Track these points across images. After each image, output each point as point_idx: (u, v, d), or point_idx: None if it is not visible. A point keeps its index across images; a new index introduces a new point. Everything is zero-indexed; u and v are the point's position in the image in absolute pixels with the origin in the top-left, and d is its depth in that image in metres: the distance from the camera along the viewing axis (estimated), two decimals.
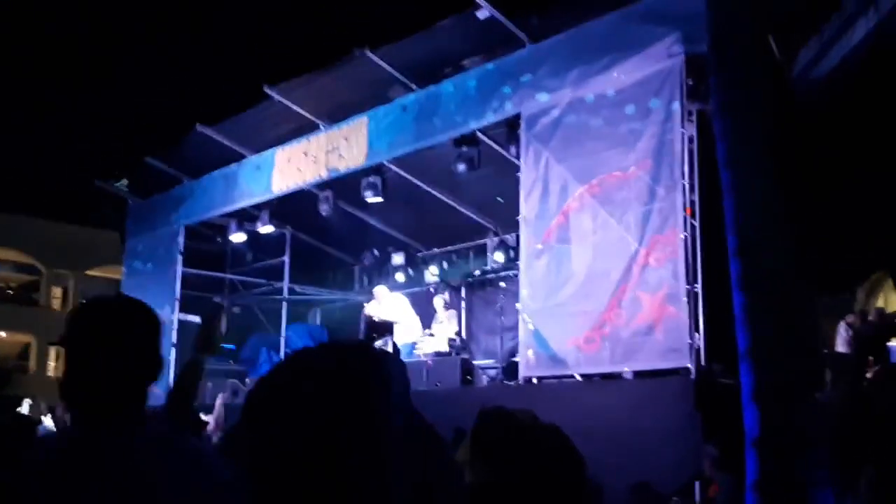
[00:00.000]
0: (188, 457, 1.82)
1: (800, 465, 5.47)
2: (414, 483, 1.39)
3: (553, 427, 3.69)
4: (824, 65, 8.43)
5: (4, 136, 32.66)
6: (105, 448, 1.73)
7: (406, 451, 1.41)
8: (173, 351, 14.96)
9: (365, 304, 13.28)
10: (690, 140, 8.46)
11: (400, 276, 15.13)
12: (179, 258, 15.31)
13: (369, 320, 12.16)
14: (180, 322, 15.23)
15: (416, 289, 14.93)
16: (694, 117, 8.53)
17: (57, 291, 35.68)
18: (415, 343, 12.40)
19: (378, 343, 11.30)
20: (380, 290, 13.19)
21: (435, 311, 13.13)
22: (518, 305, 9.79)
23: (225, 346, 16.60)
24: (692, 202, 8.35)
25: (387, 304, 12.89)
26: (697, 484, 7.38)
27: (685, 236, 8.24)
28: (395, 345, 11.92)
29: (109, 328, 1.84)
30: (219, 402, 8.58)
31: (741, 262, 5.82)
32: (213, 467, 1.78)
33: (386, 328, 11.91)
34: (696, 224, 8.33)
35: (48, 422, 13.34)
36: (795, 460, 5.49)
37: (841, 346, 9.14)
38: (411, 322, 12.88)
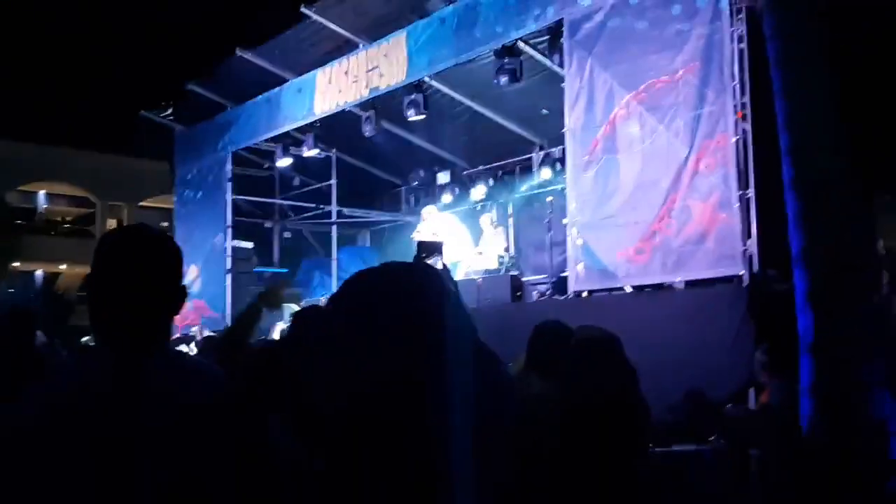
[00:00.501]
0: (207, 380, 1.87)
1: (855, 369, 5.37)
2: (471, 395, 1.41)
3: (609, 339, 3.65)
4: None
5: (50, 71, 32.95)
6: (126, 369, 1.76)
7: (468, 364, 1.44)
8: (228, 277, 15.22)
9: (416, 227, 13.27)
10: (740, 39, 8.14)
11: (447, 196, 15.05)
12: (229, 185, 15.44)
13: (420, 242, 12.15)
14: (233, 248, 15.44)
15: (463, 207, 14.86)
16: (743, 15, 8.18)
17: (112, 223, 36.36)
18: (456, 263, 12.39)
19: (429, 262, 11.30)
20: (428, 211, 13.15)
21: (482, 230, 13.08)
22: (565, 221, 9.68)
23: (277, 269, 16.83)
24: (743, 104, 8.07)
25: (436, 224, 12.86)
26: (752, 391, 7.31)
27: (736, 140, 8.00)
28: (444, 264, 11.92)
29: (131, 259, 1.87)
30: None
31: (793, 163, 5.65)
32: (226, 391, 1.87)
33: (435, 248, 11.89)
34: (748, 127, 8.06)
35: None
36: (851, 364, 5.40)
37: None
38: (461, 241, 12.85)
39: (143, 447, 1.65)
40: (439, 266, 11.52)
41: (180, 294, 1.91)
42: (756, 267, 7.86)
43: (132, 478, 1.63)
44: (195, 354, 7.93)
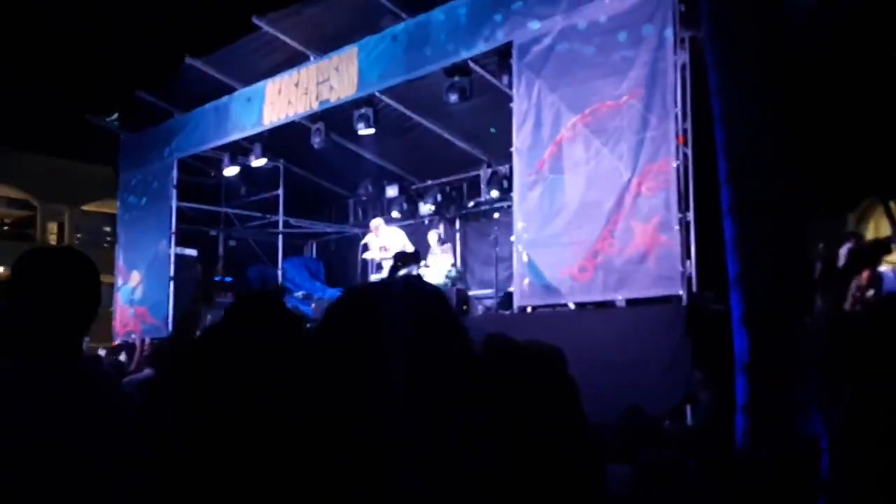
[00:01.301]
0: (108, 393, 2.01)
1: (788, 389, 5.58)
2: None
3: (552, 351, 3.77)
4: None
5: None
6: (34, 379, 1.86)
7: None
8: (171, 284, 15.09)
9: (363, 240, 13.34)
10: (683, 67, 8.40)
11: (394, 210, 15.16)
12: (174, 192, 15.30)
13: (397, 253, 12.15)
14: (177, 256, 15.30)
15: (410, 221, 14.97)
16: (687, 44, 8.45)
17: (53, 227, 35.64)
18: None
19: (403, 272, 11.33)
20: (376, 223, 13.24)
21: (430, 246, 13.21)
22: (512, 238, 9.85)
23: (223, 279, 16.72)
24: (685, 130, 8.33)
25: (384, 236, 12.95)
26: (689, 408, 7.52)
27: (677, 165, 8.25)
28: (419, 275, 12.02)
29: (43, 277, 1.99)
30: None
31: (731, 189, 5.86)
32: (125, 405, 2.00)
33: (412, 258, 11.90)
34: (689, 152, 8.32)
35: None
36: (784, 384, 5.61)
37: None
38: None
39: (26, 456, 1.75)
40: (414, 272, 11.61)
41: (89, 310, 2.01)
42: (695, 288, 8.11)
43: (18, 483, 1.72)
44: (145, 363, 7.89)
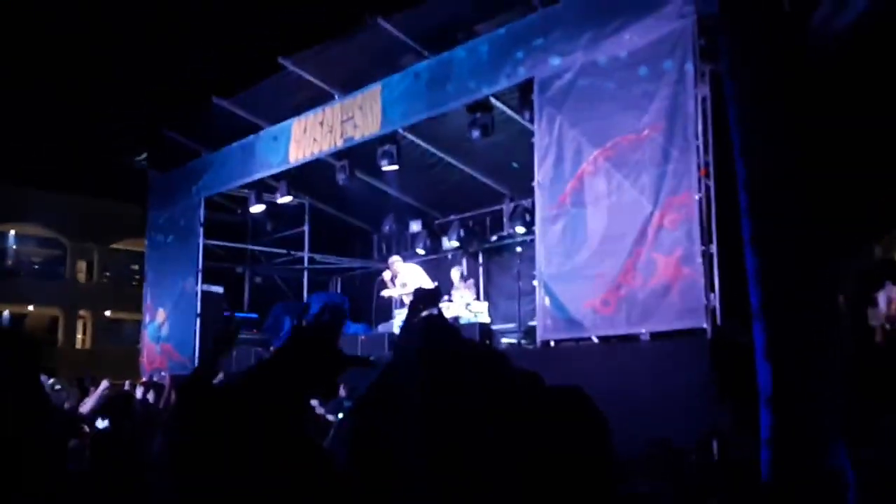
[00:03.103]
0: None
1: (812, 422, 5.54)
2: None
3: (574, 389, 3.78)
4: (841, 18, 8.35)
5: (25, 112, 32.90)
6: None
7: None
8: (197, 321, 15.21)
9: (382, 275, 13.40)
10: (704, 100, 8.45)
11: (418, 244, 15.23)
12: (201, 230, 15.47)
13: (416, 290, 12.15)
14: (203, 293, 15.44)
15: (433, 256, 15.03)
16: (707, 77, 8.50)
17: (82, 265, 36.08)
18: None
19: (424, 313, 11.34)
20: (394, 260, 13.29)
21: (452, 283, 13.23)
22: (535, 271, 9.86)
23: (248, 315, 16.84)
24: (706, 163, 8.35)
25: (402, 273, 12.99)
26: (715, 441, 7.46)
27: (699, 197, 8.25)
28: (440, 311, 12.00)
29: None
30: (103, 386, 8.80)
31: (752, 222, 5.87)
32: None
33: (432, 298, 11.89)
34: (711, 184, 8.33)
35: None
36: (808, 417, 5.57)
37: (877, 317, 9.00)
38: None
39: None
40: (435, 312, 11.58)
41: None
42: (719, 320, 8.07)
43: None
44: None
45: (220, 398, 2.51)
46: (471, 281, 13.46)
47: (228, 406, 2.21)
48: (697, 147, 8.34)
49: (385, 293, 13.34)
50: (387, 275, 13.15)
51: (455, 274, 13.28)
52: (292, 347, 2.18)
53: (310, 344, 2.19)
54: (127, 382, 13.89)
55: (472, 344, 1.72)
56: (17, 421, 3.28)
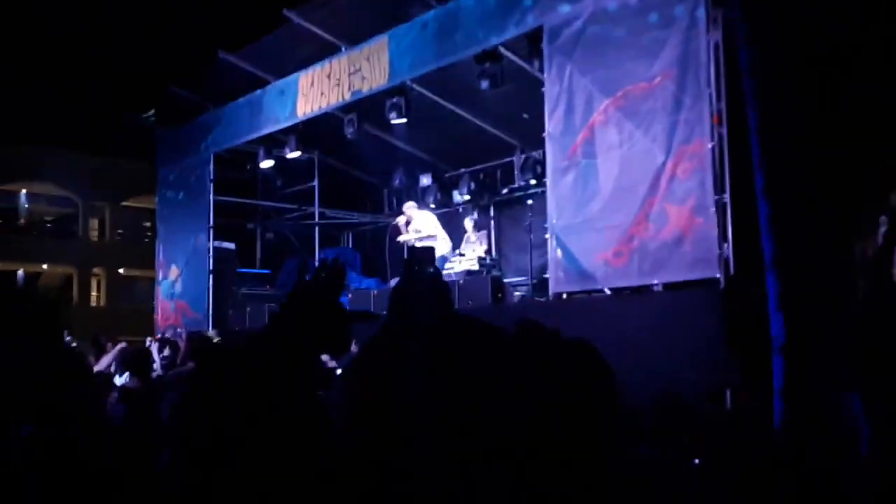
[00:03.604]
0: None
1: (825, 372, 5.50)
2: None
3: (583, 340, 3.75)
4: None
5: (34, 71, 32.81)
6: None
7: None
8: (210, 277, 15.26)
9: (397, 219, 13.31)
10: (716, 47, 8.28)
11: (429, 198, 15.16)
12: (210, 186, 15.45)
13: (411, 249, 12.14)
14: (215, 249, 15.47)
15: (444, 210, 14.96)
16: (720, 23, 8.32)
17: (94, 223, 36.23)
18: (445, 257, 12.48)
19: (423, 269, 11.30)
20: (409, 206, 13.22)
21: (465, 232, 13.19)
22: (546, 224, 9.80)
23: (261, 271, 16.87)
24: (719, 110, 8.20)
25: (417, 219, 12.93)
26: (728, 392, 7.45)
27: (712, 146, 8.13)
28: (436, 268, 11.98)
29: None
30: (119, 346, 8.81)
31: (764, 171, 5.78)
32: None
33: (428, 255, 11.86)
34: (724, 133, 8.20)
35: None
36: (821, 367, 5.53)
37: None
38: (441, 238, 12.92)
39: None
40: (431, 270, 11.57)
41: None
42: (732, 271, 8.00)
43: None
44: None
45: (232, 361, 2.50)
46: (483, 232, 13.41)
47: (239, 369, 2.20)
48: (710, 95, 8.19)
49: (399, 238, 13.24)
50: (401, 220, 13.09)
51: (468, 223, 13.21)
52: (293, 307, 2.15)
53: (311, 302, 2.15)
54: (148, 339, 14.03)
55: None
56: (55, 387, 3.25)
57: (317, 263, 13.31)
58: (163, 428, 5.71)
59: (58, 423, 2.82)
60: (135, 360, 7.10)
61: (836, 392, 5.55)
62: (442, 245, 12.72)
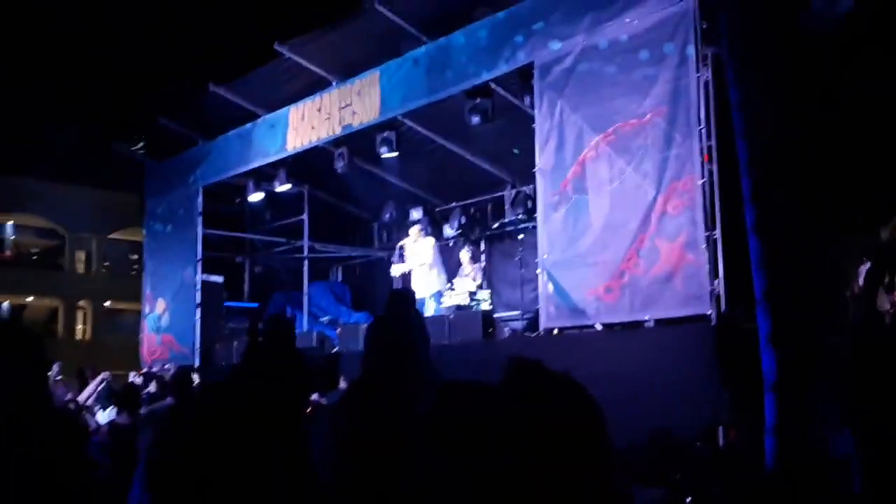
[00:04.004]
0: None
1: (816, 408, 5.48)
2: None
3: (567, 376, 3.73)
4: (843, 1, 8.25)
5: (22, 102, 32.76)
6: None
7: None
8: (198, 311, 15.14)
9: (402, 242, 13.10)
10: (706, 84, 8.34)
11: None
12: (199, 219, 15.39)
13: (392, 293, 11.93)
14: (203, 282, 15.37)
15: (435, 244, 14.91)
16: (709, 61, 8.39)
17: (81, 255, 36.02)
18: (440, 292, 12.36)
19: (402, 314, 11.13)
20: (414, 230, 13.01)
21: (461, 264, 13.06)
22: (537, 259, 9.78)
23: (248, 304, 16.77)
24: (709, 147, 8.25)
25: (420, 243, 12.69)
26: (721, 429, 7.40)
27: (703, 182, 8.16)
28: (417, 311, 11.79)
29: None
30: (101, 377, 8.69)
31: (754, 207, 5.79)
32: None
33: (409, 298, 11.69)
34: (714, 169, 8.24)
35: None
36: (812, 403, 5.50)
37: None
38: (437, 269, 12.70)
39: None
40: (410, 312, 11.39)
41: None
42: (723, 306, 7.99)
43: None
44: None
45: (218, 396, 2.44)
46: (479, 265, 13.34)
47: (225, 405, 2.16)
48: (700, 131, 8.24)
49: (394, 269, 12.99)
50: (407, 242, 12.82)
51: (465, 255, 13.05)
52: (249, 367, 2.12)
53: (266, 357, 2.13)
54: (132, 374, 13.86)
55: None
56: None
57: (305, 298, 13.21)
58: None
59: (41, 467, 2.73)
60: (124, 395, 7.00)
61: (828, 430, 5.53)
62: (437, 281, 12.59)
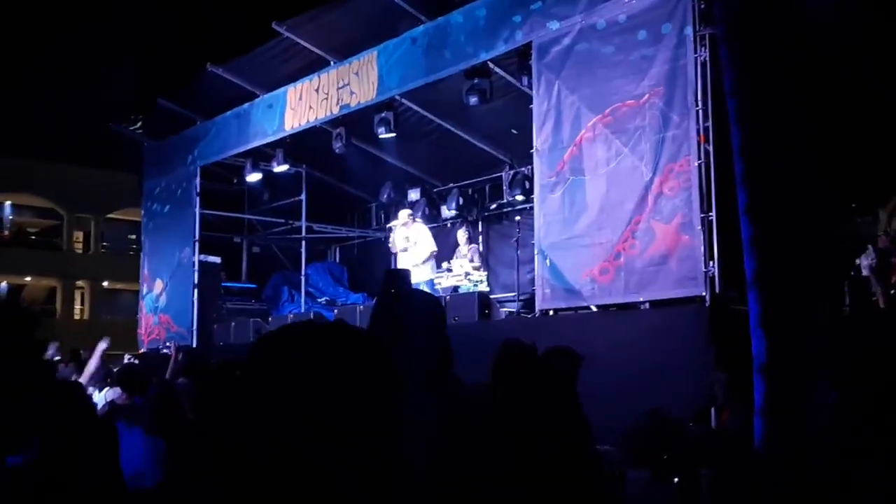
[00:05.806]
0: None
1: (804, 391, 5.49)
2: None
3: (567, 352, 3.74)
4: None
5: (19, 82, 32.67)
6: None
7: None
8: (195, 291, 15.14)
9: (392, 228, 13.04)
10: (704, 65, 8.30)
11: (416, 213, 15.06)
12: (197, 199, 15.37)
13: (388, 272, 11.89)
14: (200, 263, 15.36)
15: (433, 225, 14.90)
16: (707, 41, 8.35)
17: (79, 235, 36.02)
18: (433, 281, 12.34)
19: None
20: (404, 214, 12.90)
21: (458, 244, 13.02)
22: (534, 240, 9.78)
23: (246, 285, 16.77)
24: (706, 128, 8.22)
25: (413, 229, 12.64)
26: (713, 410, 7.42)
27: (699, 163, 8.15)
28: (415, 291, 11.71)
29: None
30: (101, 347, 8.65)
31: (747, 190, 5.78)
32: None
33: (405, 278, 11.63)
34: (711, 150, 8.22)
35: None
36: (800, 386, 5.52)
37: (865, 270, 9.00)
38: (431, 251, 12.59)
39: None
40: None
41: None
42: (717, 288, 7.99)
43: None
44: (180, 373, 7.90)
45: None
46: (475, 245, 13.32)
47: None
48: (697, 112, 8.22)
49: (393, 246, 12.85)
50: (397, 224, 12.78)
51: (462, 236, 13.01)
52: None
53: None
54: (126, 356, 13.87)
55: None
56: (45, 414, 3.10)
57: (302, 279, 13.15)
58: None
59: (52, 454, 2.71)
60: (133, 379, 6.92)
61: (815, 411, 5.54)
62: (429, 268, 12.43)
